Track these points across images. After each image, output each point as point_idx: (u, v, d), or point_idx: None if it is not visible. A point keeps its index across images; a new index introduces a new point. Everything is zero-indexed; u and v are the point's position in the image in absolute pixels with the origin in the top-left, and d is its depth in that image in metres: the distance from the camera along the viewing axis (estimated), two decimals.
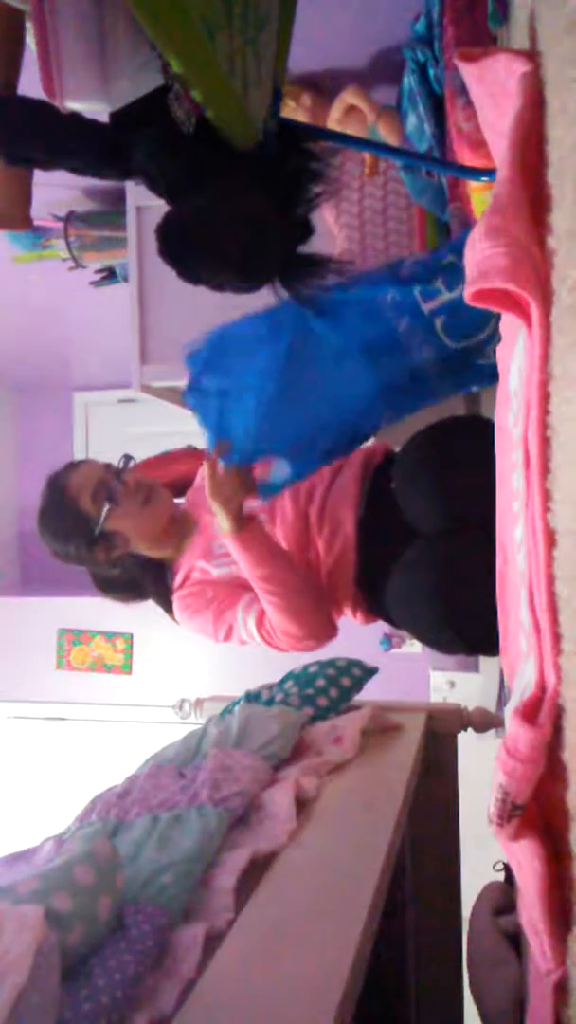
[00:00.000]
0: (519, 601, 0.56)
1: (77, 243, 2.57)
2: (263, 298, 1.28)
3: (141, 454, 1.84)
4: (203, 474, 1.68)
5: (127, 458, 1.56)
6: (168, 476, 1.76)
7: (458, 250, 1.26)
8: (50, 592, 3.59)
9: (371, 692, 1.42)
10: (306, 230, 1.27)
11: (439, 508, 1.32)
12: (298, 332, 1.37)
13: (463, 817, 1.42)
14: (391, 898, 0.89)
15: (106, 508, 1.48)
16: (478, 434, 1.16)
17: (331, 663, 1.42)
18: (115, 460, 1.56)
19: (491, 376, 1.28)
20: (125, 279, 2.57)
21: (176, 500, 1.70)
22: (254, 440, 1.39)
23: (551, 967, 0.50)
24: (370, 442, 1.66)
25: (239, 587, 1.50)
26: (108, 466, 1.55)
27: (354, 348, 1.34)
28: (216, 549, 1.54)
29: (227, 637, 1.52)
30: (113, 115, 1.09)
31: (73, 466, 1.57)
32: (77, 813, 1.01)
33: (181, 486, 1.71)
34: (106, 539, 1.52)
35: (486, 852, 0.96)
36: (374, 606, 1.50)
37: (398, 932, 1.17)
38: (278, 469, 1.42)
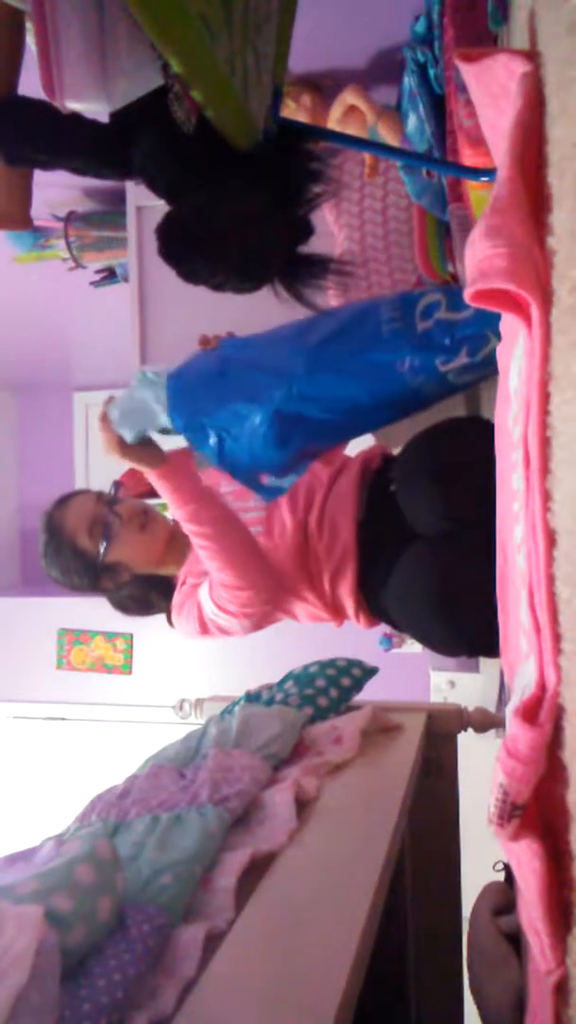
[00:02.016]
0: (519, 601, 0.56)
1: (77, 243, 2.56)
2: (263, 298, 1.28)
3: None
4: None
5: (117, 485, 1.57)
6: None
7: (486, 323, 1.25)
8: (50, 592, 3.58)
9: (371, 692, 1.42)
10: (306, 230, 1.27)
11: (439, 509, 1.32)
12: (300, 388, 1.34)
13: (463, 817, 1.42)
14: (391, 898, 0.89)
15: (104, 544, 1.50)
16: (478, 435, 1.16)
17: (331, 663, 1.41)
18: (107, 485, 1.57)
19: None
20: (125, 279, 2.57)
21: None
22: (257, 461, 1.38)
23: (551, 967, 0.50)
24: (368, 445, 1.67)
25: None
26: (100, 496, 1.55)
27: (369, 404, 1.34)
28: None
29: (203, 628, 1.52)
30: (113, 115, 1.09)
31: (65, 502, 1.57)
32: (77, 813, 1.01)
33: None
34: (110, 570, 1.54)
35: (486, 852, 0.96)
36: (376, 609, 1.50)
37: (398, 932, 1.17)
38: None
